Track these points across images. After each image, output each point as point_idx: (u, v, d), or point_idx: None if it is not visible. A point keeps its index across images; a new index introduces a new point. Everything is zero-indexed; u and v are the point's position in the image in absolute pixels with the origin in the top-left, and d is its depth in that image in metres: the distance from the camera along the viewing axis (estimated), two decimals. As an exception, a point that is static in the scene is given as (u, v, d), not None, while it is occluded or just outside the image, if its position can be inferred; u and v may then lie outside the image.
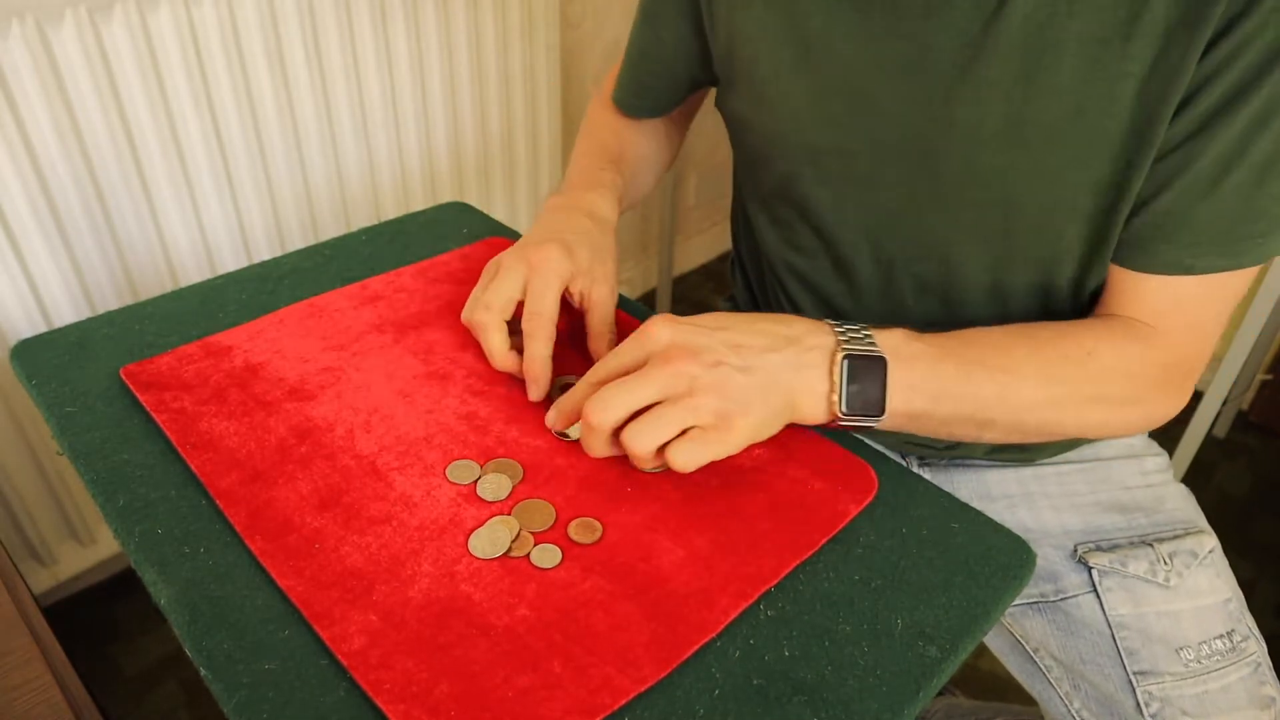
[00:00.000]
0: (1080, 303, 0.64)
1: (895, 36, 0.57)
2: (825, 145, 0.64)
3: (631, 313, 0.71)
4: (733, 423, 0.49)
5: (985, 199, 0.59)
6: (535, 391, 0.59)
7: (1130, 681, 0.66)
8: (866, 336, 0.53)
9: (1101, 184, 0.56)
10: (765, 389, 0.51)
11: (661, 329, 0.51)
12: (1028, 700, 0.75)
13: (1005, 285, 0.63)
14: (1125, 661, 0.67)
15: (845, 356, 0.52)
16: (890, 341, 0.54)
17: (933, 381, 0.54)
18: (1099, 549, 0.70)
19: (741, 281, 0.85)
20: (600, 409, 0.50)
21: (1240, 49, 0.50)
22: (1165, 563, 0.68)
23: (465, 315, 0.62)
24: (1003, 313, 0.65)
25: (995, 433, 0.57)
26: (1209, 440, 1.79)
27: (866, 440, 0.61)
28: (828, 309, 0.72)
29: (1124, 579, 0.69)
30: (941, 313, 0.67)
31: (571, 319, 0.66)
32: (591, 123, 0.83)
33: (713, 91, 0.79)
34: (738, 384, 0.50)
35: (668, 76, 0.77)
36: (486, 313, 0.60)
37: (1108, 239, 0.59)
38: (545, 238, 0.62)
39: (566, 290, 0.61)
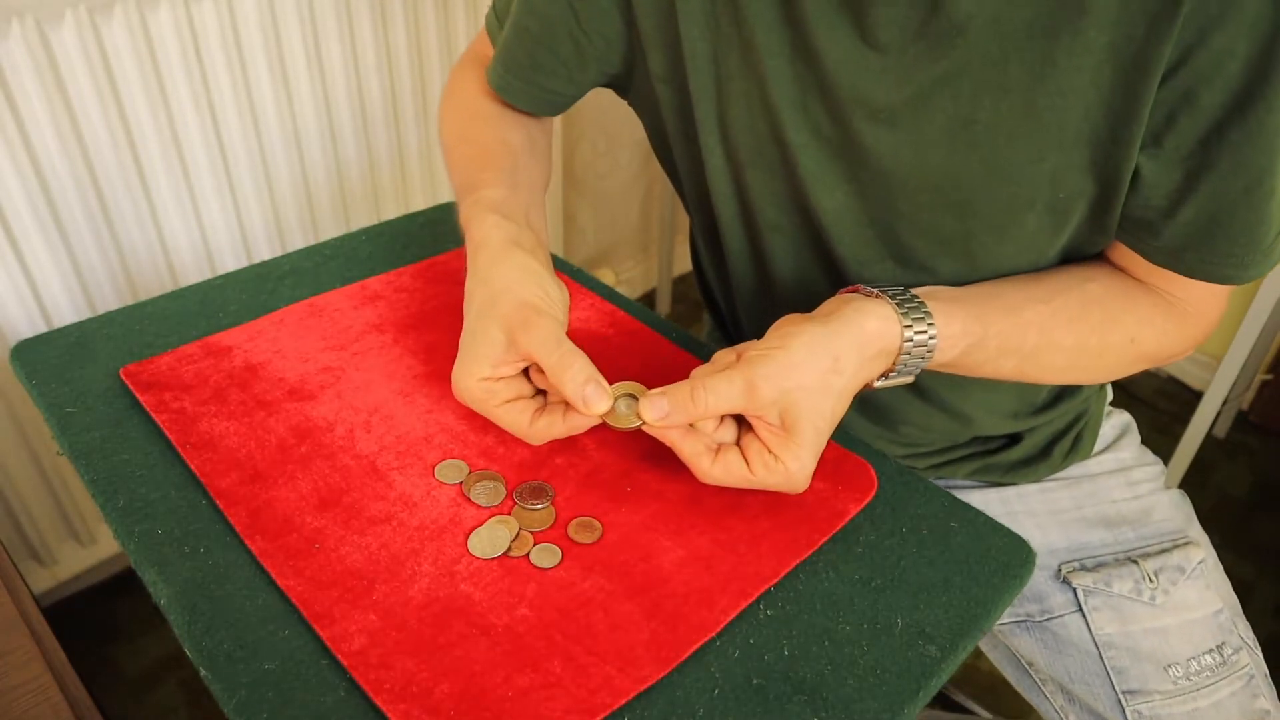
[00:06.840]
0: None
1: (833, 30, 0.54)
2: (766, 140, 0.60)
3: (631, 312, 0.71)
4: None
5: (937, 201, 0.56)
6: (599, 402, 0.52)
7: (1120, 701, 0.66)
8: (924, 357, 0.55)
9: (1061, 171, 0.53)
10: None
11: (804, 480, 0.51)
12: (1026, 704, 0.75)
13: (965, 281, 0.60)
14: (1114, 680, 0.66)
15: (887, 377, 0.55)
16: (946, 357, 0.55)
17: (985, 369, 0.57)
18: (1083, 568, 0.70)
19: (701, 287, 0.81)
20: (710, 481, 0.52)
21: (1226, 51, 0.46)
22: (1151, 580, 0.67)
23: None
24: None
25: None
26: (1209, 440, 1.79)
27: (864, 442, 0.61)
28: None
29: (1110, 598, 0.68)
30: None
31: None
32: (464, 113, 0.70)
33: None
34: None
35: (574, 60, 0.65)
36: (482, 392, 0.53)
37: (1075, 223, 0.56)
38: (463, 348, 0.54)
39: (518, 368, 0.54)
